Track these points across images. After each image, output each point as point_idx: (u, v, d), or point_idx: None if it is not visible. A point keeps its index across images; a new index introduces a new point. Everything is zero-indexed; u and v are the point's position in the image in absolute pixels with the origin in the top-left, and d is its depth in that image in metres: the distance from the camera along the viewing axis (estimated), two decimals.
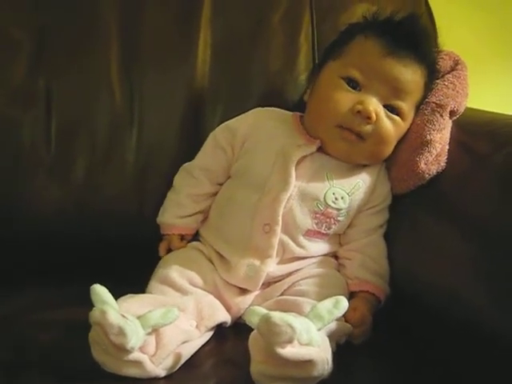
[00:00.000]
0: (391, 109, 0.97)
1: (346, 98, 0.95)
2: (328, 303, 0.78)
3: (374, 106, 0.95)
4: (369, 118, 0.94)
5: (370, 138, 0.96)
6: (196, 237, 1.04)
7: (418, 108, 1.00)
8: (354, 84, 0.97)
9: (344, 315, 0.82)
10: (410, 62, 0.96)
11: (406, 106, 0.97)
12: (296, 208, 0.95)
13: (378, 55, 0.95)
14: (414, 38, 0.97)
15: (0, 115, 1.05)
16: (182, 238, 1.03)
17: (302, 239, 0.97)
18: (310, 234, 0.97)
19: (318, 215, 0.96)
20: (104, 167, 1.09)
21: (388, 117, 0.97)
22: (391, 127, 0.97)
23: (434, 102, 1.00)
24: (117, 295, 0.81)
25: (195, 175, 1.04)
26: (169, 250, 1.02)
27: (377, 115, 0.95)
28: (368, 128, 0.95)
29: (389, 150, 0.99)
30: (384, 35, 0.96)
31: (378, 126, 0.96)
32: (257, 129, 1.01)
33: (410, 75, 0.96)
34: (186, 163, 1.06)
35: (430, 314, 0.90)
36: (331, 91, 0.97)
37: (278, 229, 0.94)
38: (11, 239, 1.07)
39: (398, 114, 0.97)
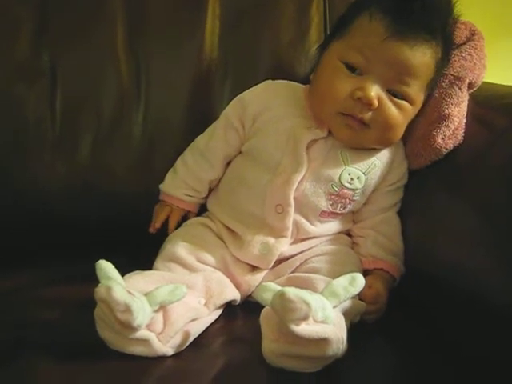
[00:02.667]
0: (396, 93, 0.92)
1: (345, 84, 0.91)
2: (344, 280, 0.77)
3: (376, 91, 0.90)
4: (370, 104, 0.90)
5: (375, 125, 0.92)
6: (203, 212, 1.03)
7: (429, 87, 0.96)
8: (355, 68, 0.92)
9: (359, 293, 0.80)
10: (418, 43, 0.90)
11: (413, 90, 0.92)
12: (310, 190, 0.93)
13: (380, 37, 0.90)
14: (423, 15, 0.91)
15: (4, 91, 1.04)
16: (186, 214, 1.03)
17: (316, 220, 0.95)
18: (325, 215, 0.95)
19: (332, 196, 0.94)
20: (110, 143, 1.07)
21: (393, 102, 0.92)
22: (397, 113, 0.92)
23: (451, 74, 0.97)
24: (123, 273, 0.79)
25: (210, 159, 1.01)
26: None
27: (379, 101, 0.91)
28: (370, 115, 0.91)
29: (398, 134, 0.95)
30: (390, 13, 0.90)
31: (382, 112, 0.91)
32: (267, 107, 0.98)
33: (418, 58, 0.91)
34: (199, 140, 1.04)
35: (445, 292, 0.89)
36: (331, 76, 0.93)
37: (291, 210, 0.92)
38: (16, 217, 1.06)
39: (403, 99, 0.93)
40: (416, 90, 0.93)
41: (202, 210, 1.04)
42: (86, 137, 1.06)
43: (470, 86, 0.98)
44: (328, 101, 0.93)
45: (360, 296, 0.84)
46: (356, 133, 0.93)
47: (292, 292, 0.68)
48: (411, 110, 0.94)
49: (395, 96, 0.92)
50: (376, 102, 0.90)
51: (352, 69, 0.92)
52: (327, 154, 0.95)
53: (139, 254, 0.92)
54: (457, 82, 0.96)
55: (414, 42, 0.90)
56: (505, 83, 1.05)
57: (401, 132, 0.96)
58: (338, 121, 0.93)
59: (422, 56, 0.91)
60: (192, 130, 1.06)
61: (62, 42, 1.06)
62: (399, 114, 0.93)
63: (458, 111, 0.95)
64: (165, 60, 1.08)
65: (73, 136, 1.06)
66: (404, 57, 0.90)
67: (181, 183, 1.02)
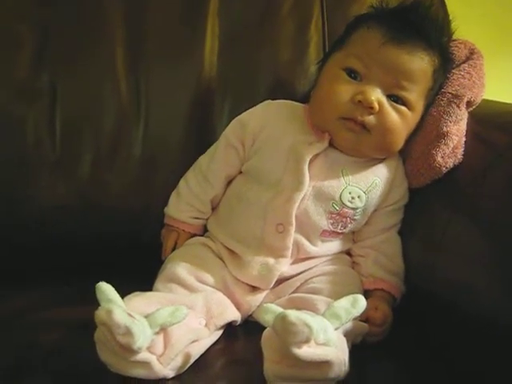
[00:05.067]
0: (396, 99, 0.93)
1: (346, 89, 0.92)
2: (345, 302, 0.76)
3: (376, 95, 0.91)
4: (371, 107, 0.91)
5: (376, 130, 0.92)
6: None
7: (428, 97, 0.96)
8: (354, 74, 0.94)
9: (363, 314, 0.79)
10: (415, 49, 0.92)
11: (412, 96, 0.94)
12: (311, 208, 0.93)
13: (378, 43, 0.92)
14: (419, 23, 0.93)
15: (4, 111, 1.03)
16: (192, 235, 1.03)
17: (317, 239, 0.95)
18: (326, 234, 0.95)
19: (333, 215, 0.94)
20: (110, 163, 1.07)
21: (393, 107, 0.93)
22: (397, 118, 0.93)
23: (450, 93, 0.97)
24: (123, 294, 0.79)
25: (211, 181, 1.01)
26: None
27: (380, 105, 0.92)
28: (371, 119, 0.92)
29: (398, 141, 0.95)
30: (387, 23, 0.93)
31: (382, 116, 0.92)
32: (267, 125, 0.99)
33: (416, 63, 0.92)
34: (201, 161, 1.04)
35: (446, 312, 0.89)
36: (331, 83, 0.94)
37: (292, 229, 0.92)
38: (14, 237, 1.05)
39: (403, 104, 0.94)
40: (415, 96, 0.94)
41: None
42: (85, 156, 1.05)
43: (469, 104, 0.98)
44: (329, 106, 0.93)
45: (368, 318, 0.85)
46: (356, 136, 0.93)
47: (293, 315, 0.68)
48: (411, 117, 0.95)
49: (395, 102, 0.93)
50: (376, 105, 0.91)
51: (352, 75, 0.93)
52: (328, 171, 0.95)
53: (139, 273, 0.91)
54: (455, 100, 0.96)
55: (411, 47, 0.92)
56: (502, 100, 1.06)
57: (400, 140, 0.96)
58: (338, 125, 0.93)
59: (419, 61, 0.93)
60: (192, 148, 1.07)
61: (61, 63, 1.06)
62: (399, 120, 0.93)
63: (457, 129, 0.95)
64: (164, 79, 1.08)
65: (73, 155, 1.05)
66: (402, 61, 0.92)
67: (185, 206, 1.02)
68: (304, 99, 1.04)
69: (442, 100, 0.97)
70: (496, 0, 1.42)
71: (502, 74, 1.36)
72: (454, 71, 1.00)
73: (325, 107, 0.94)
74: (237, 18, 1.11)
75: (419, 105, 0.95)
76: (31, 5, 1.06)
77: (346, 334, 0.78)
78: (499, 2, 1.42)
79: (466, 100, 0.97)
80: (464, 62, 1.01)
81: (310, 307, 0.82)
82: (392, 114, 0.93)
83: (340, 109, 0.92)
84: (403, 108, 0.93)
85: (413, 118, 0.95)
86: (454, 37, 1.05)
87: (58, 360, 0.79)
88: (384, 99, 0.92)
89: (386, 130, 0.93)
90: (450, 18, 1.13)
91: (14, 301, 0.95)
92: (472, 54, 1.03)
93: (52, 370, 0.77)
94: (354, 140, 0.93)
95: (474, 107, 0.99)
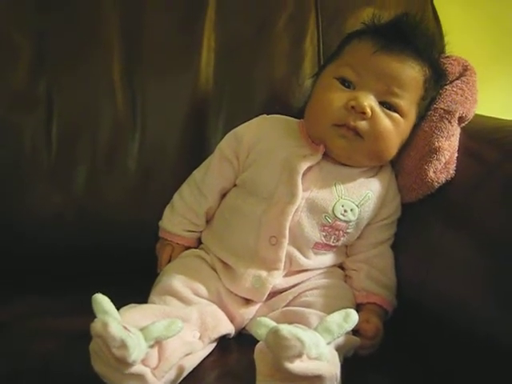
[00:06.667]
0: (388, 106, 0.94)
1: (339, 97, 0.94)
2: (338, 316, 0.76)
3: (369, 101, 0.93)
4: (363, 112, 0.92)
5: (369, 136, 0.93)
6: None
7: (420, 106, 0.98)
8: (347, 83, 0.95)
9: (355, 328, 0.79)
10: (405, 58, 0.94)
11: (404, 103, 0.95)
12: (304, 220, 0.94)
13: (369, 52, 0.94)
14: (409, 34, 0.95)
15: (0, 120, 1.04)
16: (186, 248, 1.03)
17: (309, 252, 0.95)
18: (319, 246, 0.96)
19: (326, 228, 0.95)
20: (105, 173, 1.07)
21: (385, 113, 0.94)
22: (389, 124, 0.94)
23: (442, 108, 0.98)
24: (118, 304, 0.79)
25: (206, 194, 1.02)
26: None
27: (373, 111, 0.93)
28: (364, 124, 0.93)
29: (390, 148, 0.96)
30: (378, 34, 0.95)
31: (374, 122, 0.93)
32: (262, 139, 0.99)
33: (407, 70, 0.94)
34: (195, 174, 1.04)
35: (438, 325, 0.89)
36: (325, 91, 0.96)
37: (285, 242, 0.92)
38: (11, 246, 1.05)
39: (396, 111, 0.95)
40: (407, 103, 0.95)
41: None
42: (81, 166, 1.06)
43: (461, 119, 0.99)
44: (323, 113, 0.95)
45: (360, 331, 0.85)
46: (349, 143, 0.94)
47: (286, 329, 0.68)
48: (403, 124, 0.96)
49: (388, 109, 0.94)
50: (369, 110, 0.92)
51: (345, 84, 0.95)
52: (321, 183, 0.95)
53: (134, 283, 0.92)
54: (447, 116, 0.97)
55: (402, 56, 0.94)
56: (495, 115, 1.07)
57: (393, 147, 0.97)
58: (332, 133, 0.94)
59: (410, 69, 0.94)
60: (187, 160, 1.07)
61: (58, 72, 1.07)
62: (392, 126, 0.94)
63: (449, 145, 0.96)
64: (160, 91, 1.09)
65: (68, 165, 1.06)
66: (393, 68, 0.93)
67: (179, 218, 1.02)
68: (299, 114, 1.05)
69: (434, 116, 0.98)
70: (490, 14, 1.42)
71: (495, 88, 1.37)
72: (446, 87, 1.01)
73: (319, 115, 0.96)
74: (233, 31, 1.12)
75: (411, 113, 0.97)
76: (28, 14, 1.07)
77: (338, 348, 0.78)
78: (494, 17, 1.43)
79: (457, 116, 0.98)
80: (457, 79, 1.03)
81: (302, 321, 0.83)
82: (385, 120, 0.94)
83: (333, 115, 0.93)
84: (395, 115, 0.95)
85: (405, 125, 0.96)
86: (448, 52, 1.06)
87: (53, 369, 0.79)
88: (376, 105, 0.94)
89: (378, 135, 0.94)
90: (444, 32, 1.15)
91: (12, 308, 0.95)
92: (465, 70, 1.04)
93: (46, 379, 0.77)
94: (348, 147, 0.94)
95: (466, 123, 1.00)
